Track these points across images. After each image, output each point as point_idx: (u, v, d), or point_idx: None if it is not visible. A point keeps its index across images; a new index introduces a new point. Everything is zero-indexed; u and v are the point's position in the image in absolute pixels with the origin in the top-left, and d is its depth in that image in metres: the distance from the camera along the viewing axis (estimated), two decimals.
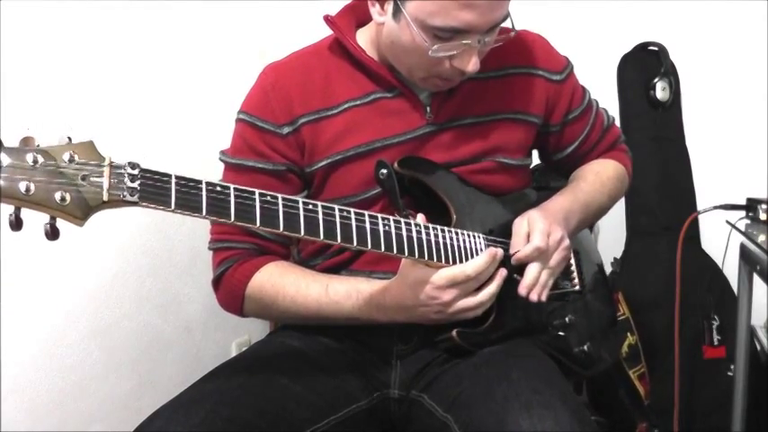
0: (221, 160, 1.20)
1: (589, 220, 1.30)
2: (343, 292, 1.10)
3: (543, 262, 1.10)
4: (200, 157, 1.74)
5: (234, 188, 0.87)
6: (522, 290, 1.09)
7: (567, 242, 1.13)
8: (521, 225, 1.13)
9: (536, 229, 1.10)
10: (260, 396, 0.99)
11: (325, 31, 1.21)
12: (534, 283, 1.09)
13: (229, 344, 2.01)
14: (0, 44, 1.30)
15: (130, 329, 1.66)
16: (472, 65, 1.05)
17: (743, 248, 1.67)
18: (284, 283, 1.13)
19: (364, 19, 1.19)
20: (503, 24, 1.08)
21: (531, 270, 1.09)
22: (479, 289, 1.04)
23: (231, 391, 0.98)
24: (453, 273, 1.01)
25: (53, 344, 1.47)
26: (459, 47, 1.03)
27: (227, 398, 0.96)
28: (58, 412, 1.48)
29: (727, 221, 1.72)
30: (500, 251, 1.06)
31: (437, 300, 1.01)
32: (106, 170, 0.78)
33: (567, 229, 1.16)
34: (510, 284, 1.12)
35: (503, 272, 1.06)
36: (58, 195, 0.74)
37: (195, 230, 1.82)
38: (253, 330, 2.08)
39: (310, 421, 1.02)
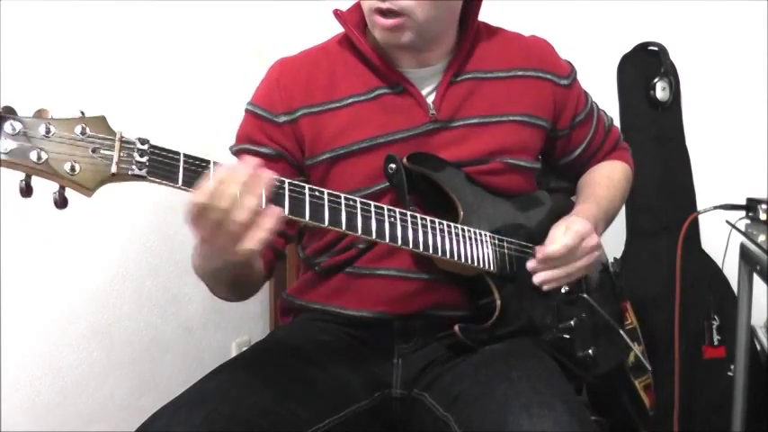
0: (231, 151, 1.22)
1: (608, 225, 1.31)
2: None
3: (568, 259, 1.10)
4: (200, 154, 1.75)
5: None
6: (530, 264, 1.10)
7: (598, 252, 1.14)
8: (558, 228, 1.13)
9: (572, 229, 1.11)
10: (261, 396, 0.99)
11: (326, 32, 1.22)
12: (546, 268, 1.10)
13: (229, 344, 2.01)
14: (0, 41, 1.30)
15: (130, 329, 1.66)
16: None
17: (743, 248, 1.67)
18: None
19: None
20: (509, 29, 1.08)
21: (551, 254, 1.10)
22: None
23: (232, 390, 0.98)
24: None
25: (53, 344, 1.47)
26: None
27: (229, 398, 0.96)
28: (58, 412, 1.48)
29: (727, 221, 1.72)
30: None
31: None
32: (116, 144, 0.80)
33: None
34: (517, 284, 1.12)
35: (274, 209, 0.86)
36: (67, 165, 0.76)
37: None
38: (253, 330, 2.08)
39: (311, 421, 1.02)
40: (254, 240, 0.83)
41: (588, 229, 1.12)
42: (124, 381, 1.65)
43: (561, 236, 1.11)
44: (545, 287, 1.11)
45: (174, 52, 1.76)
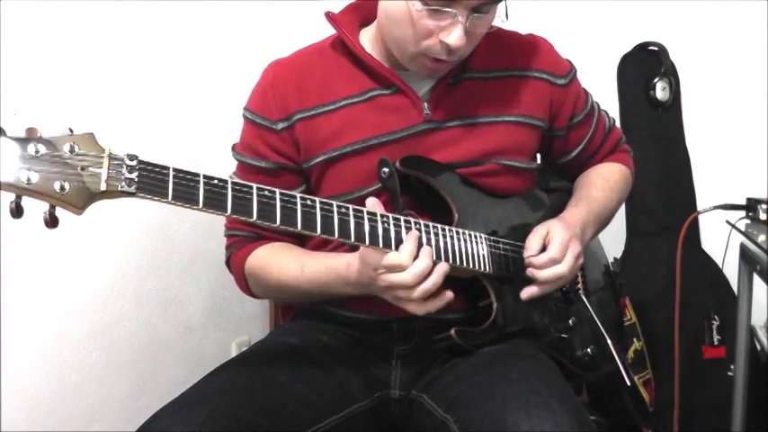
0: (233, 156, 1.23)
1: (601, 227, 1.30)
2: (315, 270, 1.12)
3: (557, 271, 1.10)
4: (200, 155, 1.75)
5: (231, 182, 0.89)
6: (523, 294, 1.11)
7: (582, 259, 1.14)
8: (540, 229, 1.13)
9: (555, 240, 1.10)
10: (262, 396, 0.99)
11: (326, 31, 1.22)
12: (538, 293, 1.11)
13: (229, 344, 2.01)
14: (1, 41, 1.30)
15: (130, 329, 1.66)
16: (456, 38, 1.03)
17: (743, 248, 1.67)
18: (270, 264, 1.16)
19: (369, 18, 1.20)
20: (509, 28, 1.07)
21: (544, 277, 1.10)
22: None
23: (233, 390, 0.98)
24: (388, 260, 0.97)
25: (53, 344, 1.47)
26: (447, 17, 1.03)
27: (229, 397, 0.96)
28: (58, 412, 1.48)
29: (728, 221, 1.72)
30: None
31: (376, 283, 1.00)
32: (105, 161, 0.80)
33: (584, 240, 1.18)
34: (514, 285, 1.12)
35: (442, 267, 1.00)
36: (57, 185, 0.76)
37: (195, 230, 1.82)
38: (253, 330, 2.08)
39: (312, 421, 1.02)
40: (404, 305, 1.01)
41: (568, 237, 1.11)
42: (124, 381, 1.65)
43: (537, 245, 1.11)
44: (524, 297, 1.12)
45: (173, 52, 1.76)
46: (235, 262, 1.21)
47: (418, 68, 1.12)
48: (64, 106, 1.43)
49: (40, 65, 1.39)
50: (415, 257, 0.98)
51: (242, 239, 1.21)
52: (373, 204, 1.01)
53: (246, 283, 1.21)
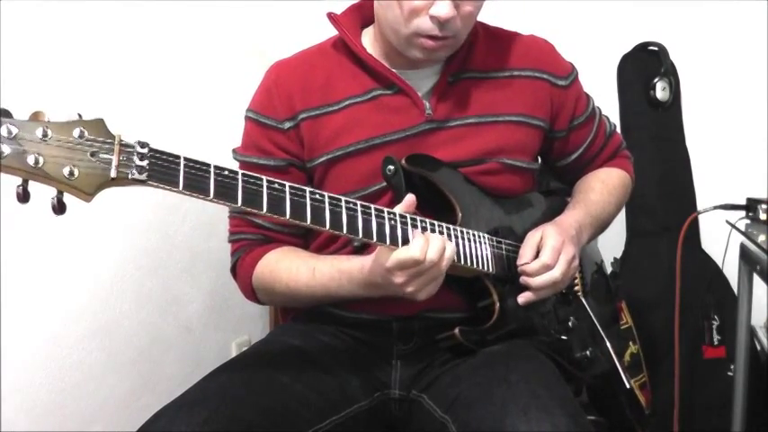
0: (234, 159, 1.22)
1: (599, 231, 1.30)
2: (327, 274, 1.11)
3: (550, 277, 1.10)
4: (200, 156, 1.75)
5: (242, 173, 0.88)
6: (520, 299, 1.12)
7: (576, 262, 1.14)
8: (533, 236, 1.13)
9: (548, 245, 1.11)
10: (262, 396, 0.99)
11: (327, 31, 1.22)
12: (534, 298, 1.12)
13: (229, 344, 2.01)
14: (1, 41, 1.30)
15: (130, 329, 1.66)
16: (445, 8, 1.04)
17: (743, 248, 1.67)
18: (279, 269, 1.15)
19: (370, 19, 1.21)
20: (503, 27, 1.08)
21: (537, 284, 1.10)
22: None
23: (234, 390, 0.99)
24: (399, 257, 0.97)
25: (53, 344, 1.47)
26: None
27: (230, 397, 0.96)
28: (58, 412, 1.48)
29: (728, 221, 1.72)
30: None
31: (391, 281, 1.00)
32: (116, 147, 0.78)
33: (580, 243, 1.18)
34: (513, 286, 1.12)
35: (449, 254, 1.00)
36: (66, 170, 0.75)
37: (195, 230, 1.82)
38: (253, 330, 2.08)
39: (312, 421, 1.02)
40: (422, 296, 1.00)
41: (560, 241, 1.11)
42: (124, 381, 1.65)
43: (530, 252, 1.11)
44: (520, 302, 1.12)
45: (173, 52, 1.76)
46: (243, 268, 1.19)
47: (416, 52, 1.11)
48: (62, 107, 1.42)
49: (40, 65, 1.39)
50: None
51: (249, 243, 1.20)
52: (410, 203, 1.00)
53: (253, 290, 1.19)
